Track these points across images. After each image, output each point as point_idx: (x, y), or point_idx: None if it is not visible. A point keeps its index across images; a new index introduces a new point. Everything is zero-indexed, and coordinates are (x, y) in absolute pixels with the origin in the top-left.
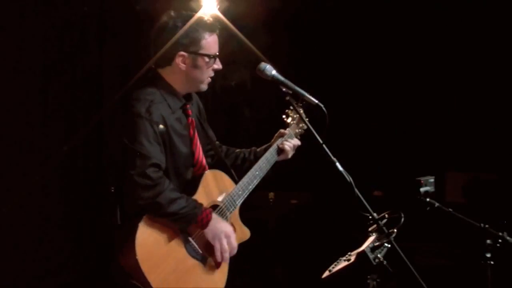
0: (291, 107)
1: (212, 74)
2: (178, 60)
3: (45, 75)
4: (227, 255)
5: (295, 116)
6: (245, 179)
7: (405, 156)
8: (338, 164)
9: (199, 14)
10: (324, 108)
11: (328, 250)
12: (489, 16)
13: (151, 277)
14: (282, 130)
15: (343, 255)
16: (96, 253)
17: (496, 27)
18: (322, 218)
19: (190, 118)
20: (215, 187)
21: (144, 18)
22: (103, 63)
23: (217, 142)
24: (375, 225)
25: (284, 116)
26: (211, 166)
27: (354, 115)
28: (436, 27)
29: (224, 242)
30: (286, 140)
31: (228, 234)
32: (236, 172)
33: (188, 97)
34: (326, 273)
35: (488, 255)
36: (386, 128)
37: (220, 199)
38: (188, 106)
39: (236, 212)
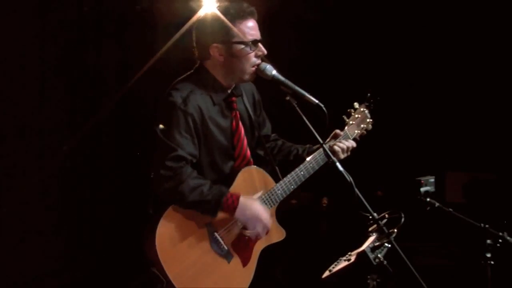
0: (355, 107)
1: (256, 61)
2: (214, 52)
3: (43, 75)
4: (258, 237)
5: (357, 116)
6: (287, 178)
7: (405, 156)
8: (338, 164)
9: (226, 3)
10: (324, 108)
11: (328, 250)
12: (489, 16)
13: (169, 268)
14: (337, 131)
15: (343, 255)
16: (96, 253)
17: (496, 27)
18: (323, 218)
19: (234, 112)
20: (252, 184)
21: (144, 18)
22: (102, 63)
23: (273, 135)
24: (375, 225)
25: (344, 116)
26: (262, 160)
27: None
28: (436, 27)
29: (257, 226)
30: (340, 141)
31: (258, 217)
32: (287, 167)
33: (235, 91)
34: (326, 273)
35: (488, 255)
36: (386, 128)
37: (255, 196)
38: (233, 99)
39: (273, 211)
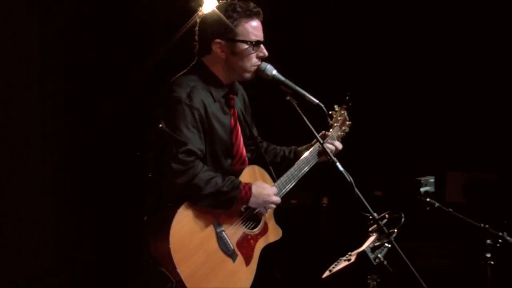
0: (336, 110)
1: (257, 62)
2: (216, 48)
3: (43, 75)
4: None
5: (339, 118)
6: (283, 178)
7: (405, 156)
8: (338, 164)
9: (234, 1)
10: (324, 108)
11: (328, 250)
12: (489, 16)
13: (181, 268)
14: (325, 132)
15: (343, 255)
16: (95, 253)
17: (496, 27)
18: (323, 218)
19: (232, 109)
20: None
21: (144, 18)
22: (102, 63)
23: (258, 138)
24: (375, 225)
25: (328, 118)
26: (251, 161)
27: (353, 115)
28: (436, 27)
29: (268, 206)
30: (328, 143)
31: (268, 199)
32: (274, 169)
33: (232, 88)
34: (326, 273)
35: (488, 255)
36: (386, 128)
37: None
38: (231, 96)
39: (271, 210)
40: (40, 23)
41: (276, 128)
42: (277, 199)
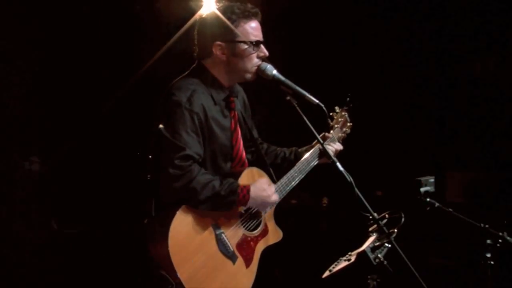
0: (337, 111)
1: (257, 62)
2: (216, 50)
3: (43, 75)
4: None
5: (339, 120)
6: (283, 179)
7: (405, 156)
8: (338, 164)
9: (232, 3)
10: (324, 108)
11: (328, 250)
12: (489, 16)
13: (180, 270)
14: (326, 134)
15: (343, 255)
16: (96, 253)
17: (496, 27)
18: (323, 218)
19: (233, 112)
20: None
21: (144, 18)
22: (102, 63)
23: (258, 139)
24: (375, 225)
25: (329, 119)
26: (251, 163)
27: (353, 115)
28: (436, 27)
29: (268, 206)
30: (329, 144)
31: (268, 200)
32: (274, 171)
33: (233, 91)
34: (326, 273)
35: (488, 255)
36: (386, 128)
37: None
38: (232, 99)
39: (271, 212)
40: (40, 22)
41: (276, 129)
42: (276, 198)
